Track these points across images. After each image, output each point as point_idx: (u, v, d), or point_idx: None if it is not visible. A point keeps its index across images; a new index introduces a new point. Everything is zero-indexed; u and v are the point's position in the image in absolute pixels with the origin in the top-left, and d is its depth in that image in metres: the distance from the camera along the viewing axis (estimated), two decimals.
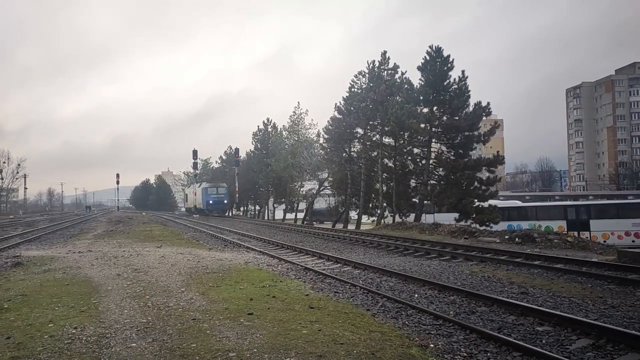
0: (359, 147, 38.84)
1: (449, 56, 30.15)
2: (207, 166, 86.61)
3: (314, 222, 45.71)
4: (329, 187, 47.14)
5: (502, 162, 30.13)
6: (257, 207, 67.60)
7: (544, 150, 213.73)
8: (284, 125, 56.53)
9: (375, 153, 35.68)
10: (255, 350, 5.39)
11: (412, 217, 31.65)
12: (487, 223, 27.39)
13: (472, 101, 29.72)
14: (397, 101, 31.47)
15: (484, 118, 29.98)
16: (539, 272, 11.66)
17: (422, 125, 30.59)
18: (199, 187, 63.60)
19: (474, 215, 28.21)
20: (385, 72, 36.05)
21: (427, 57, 30.39)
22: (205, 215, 56.29)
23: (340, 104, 38.37)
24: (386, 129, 33.29)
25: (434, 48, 30.39)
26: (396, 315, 7.46)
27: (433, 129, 30.60)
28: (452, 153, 30.57)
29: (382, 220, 33.60)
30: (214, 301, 8.00)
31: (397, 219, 32.18)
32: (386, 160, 34.77)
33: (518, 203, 42.01)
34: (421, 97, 31.15)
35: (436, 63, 30.08)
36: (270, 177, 53.91)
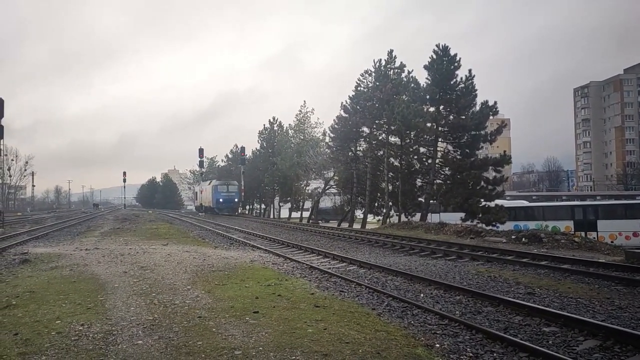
0: (365, 146, 38.77)
1: (455, 55, 30.04)
2: (213, 165, 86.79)
3: (320, 221, 45.69)
4: (334, 186, 47.14)
5: (509, 161, 29.96)
6: (263, 206, 67.70)
7: (551, 150, 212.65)
8: (289, 124, 56.61)
9: (381, 152, 35.60)
10: (260, 348, 5.40)
11: (417, 216, 31.57)
12: (494, 223, 27.28)
13: (479, 100, 29.61)
14: (404, 100, 31.39)
15: (491, 117, 29.84)
16: (545, 272, 11.60)
17: (429, 125, 30.49)
18: (208, 184, 61.58)
19: (480, 215, 28.10)
20: (392, 71, 35.95)
21: (434, 56, 30.29)
22: (215, 215, 54.04)
23: (347, 102, 38.35)
24: (392, 128, 33.21)
25: (440, 47, 30.29)
26: (402, 315, 7.44)
27: (439, 128, 30.49)
28: (459, 152, 30.46)
29: (388, 220, 33.54)
30: (219, 299, 8.02)
31: (403, 218, 32.13)
32: (392, 160, 34.70)
33: (525, 203, 41.78)
34: (427, 96, 31.06)
35: (443, 62, 29.97)
36: (276, 176, 54.01)
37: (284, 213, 58.71)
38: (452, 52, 30.11)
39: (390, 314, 7.46)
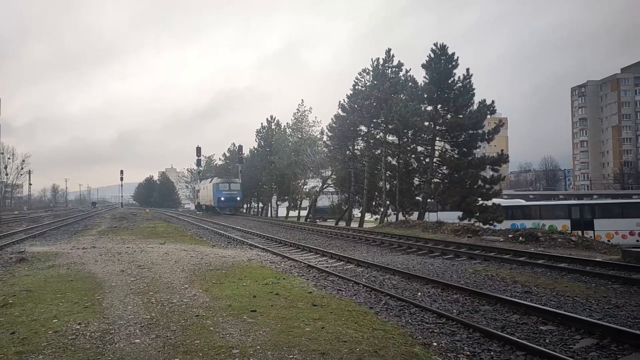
0: (362, 145, 38.80)
1: (453, 54, 30.04)
2: (211, 163, 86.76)
3: (317, 220, 45.70)
4: (332, 185, 47.14)
5: (506, 160, 29.99)
6: (260, 205, 67.64)
7: (548, 149, 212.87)
8: (287, 123, 56.59)
9: (379, 151, 35.62)
10: (258, 347, 5.40)
11: (415, 215, 31.59)
12: (491, 222, 27.31)
13: (477, 99, 29.61)
14: (401, 99, 31.40)
15: (489, 116, 29.83)
16: (542, 271, 11.63)
17: (426, 123, 30.51)
18: (209, 182, 59.11)
19: (477, 214, 28.13)
20: (390, 69, 35.96)
21: (432, 55, 30.28)
22: (214, 214, 51.98)
23: (344, 101, 38.34)
24: (390, 126, 33.22)
25: (438, 46, 30.28)
26: (399, 314, 7.46)
27: (437, 127, 30.51)
28: (456, 151, 30.48)
29: (385, 219, 33.56)
30: (217, 298, 8.02)
31: (400, 217, 32.15)
32: (390, 158, 34.71)
33: (522, 202, 41.88)
34: (425, 95, 31.05)
35: (441, 61, 29.97)
36: (273, 175, 53.90)
37: (282, 212, 58.61)
38: (450, 51, 30.12)
39: (388, 313, 7.47)
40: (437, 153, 31.28)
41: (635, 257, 12.17)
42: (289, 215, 53.56)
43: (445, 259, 14.51)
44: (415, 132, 31.82)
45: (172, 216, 48.87)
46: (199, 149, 63.75)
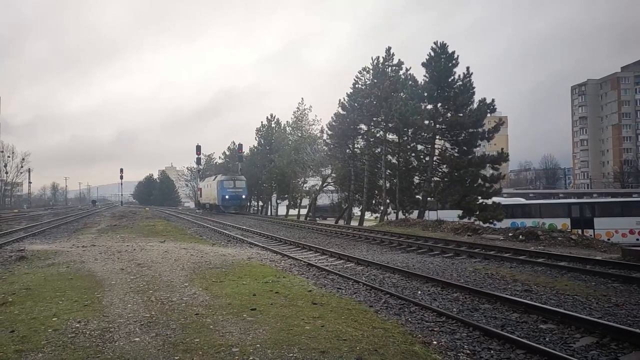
0: (362, 143, 38.78)
1: (453, 52, 30.01)
2: (211, 162, 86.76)
3: (317, 219, 45.70)
4: (332, 184, 47.13)
5: (506, 159, 29.97)
6: (260, 203, 67.63)
7: (548, 148, 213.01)
8: (287, 121, 56.51)
9: (379, 149, 35.61)
10: (258, 345, 5.39)
11: (415, 213, 31.59)
12: (491, 220, 27.32)
13: (477, 98, 29.59)
14: (401, 97, 31.35)
15: (489, 115, 29.81)
16: (542, 269, 11.63)
17: (426, 122, 30.49)
18: (213, 180, 56.36)
19: (477, 213, 28.12)
20: (390, 68, 35.96)
21: (432, 54, 30.24)
22: (217, 213, 50.03)
23: (344, 100, 38.32)
24: (390, 125, 33.20)
25: (438, 44, 30.24)
26: (399, 312, 7.45)
27: (437, 126, 30.49)
28: (456, 150, 30.47)
29: (385, 217, 33.56)
30: (217, 296, 8.01)
31: (400, 215, 32.17)
32: (390, 157, 34.70)
33: (522, 200, 41.89)
34: (425, 94, 31.02)
35: (441, 59, 29.93)
36: (273, 173, 53.86)
37: (282, 210, 58.61)
38: (451, 50, 30.10)
39: (388, 311, 7.47)
40: (437, 151, 31.27)
41: (635, 256, 12.17)
42: (289, 213, 53.59)
43: (445, 257, 14.51)
44: (415, 131, 31.80)
45: (172, 215, 48.86)
46: (198, 148, 63.69)
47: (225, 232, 24.19)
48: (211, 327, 6.14)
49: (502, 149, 32.19)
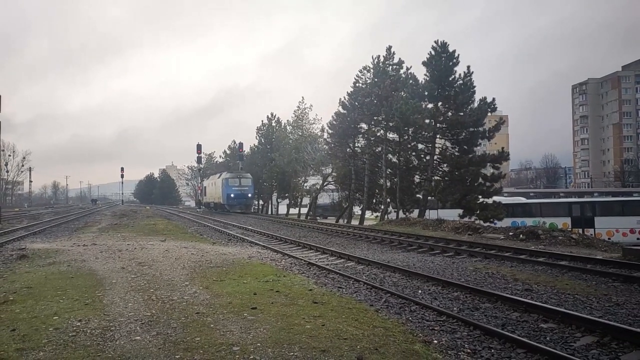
0: (363, 142, 38.75)
1: (454, 51, 29.98)
2: (211, 161, 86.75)
3: (318, 217, 45.70)
4: (332, 183, 47.10)
5: (507, 158, 29.96)
6: (261, 202, 67.64)
7: (549, 147, 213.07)
8: (288, 120, 56.48)
9: (380, 148, 35.59)
10: (258, 344, 5.40)
11: (415, 212, 31.58)
12: (491, 219, 27.31)
13: (477, 97, 29.57)
14: (402, 96, 31.33)
15: (489, 114, 29.79)
16: (543, 268, 11.63)
17: (427, 121, 30.47)
18: (218, 177, 54.14)
19: (478, 212, 28.11)
20: (390, 67, 35.92)
21: (433, 53, 30.22)
22: (225, 212, 47.67)
23: (345, 99, 38.30)
24: (390, 124, 33.17)
25: (439, 43, 30.21)
26: (400, 311, 7.46)
27: (437, 125, 30.48)
28: (457, 149, 30.46)
29: (386, 216, 33.57)
30: (217, 295, 8.02)
31: (401, 214, 32.16)
32: (390, 156, 34.68)
33: (522, 200, 41.87)
34: (426, 93, 31.01)
35: (441, 58, 29.91)
36: (274, 172, 53.84)
37: (282, 209, 58.61)
38: (452, 49, 30.06)
39: (389, 310, 7.47)
40: (437, 151, 31.26)
41: (636, 255, 12.17)
42: (290, 212, 53.59)
43: (445, 256, 14.51)
44: (416, 130, 31.78)
45: (173, 213, 48.88)
46: (199, 147, 63.52)
47: (226, 231, 24.20)
48: (212, 326, 6.15)
49: (502, 148, 32.19)
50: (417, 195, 32.96)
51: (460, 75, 29.84)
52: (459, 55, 29.92)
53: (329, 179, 46.60)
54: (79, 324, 6.23)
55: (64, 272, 10.51)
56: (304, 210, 51.50)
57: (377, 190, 37.31)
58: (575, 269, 11.25)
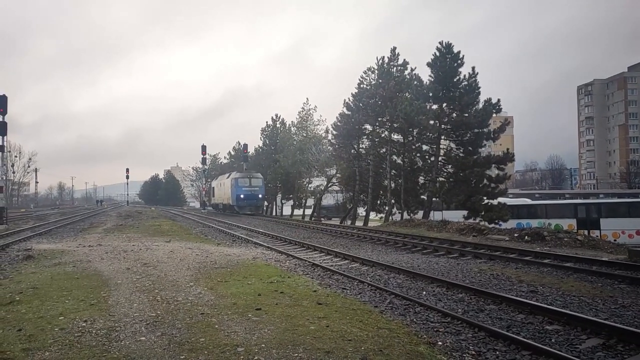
0: (367, 143, 38.71)
1: (459, 52, 29.93)
2: (216, 162, 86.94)
3: (322, 219, 45.69)
4: (337, 184, 47.11)
5: (512, 159, 29.91)
6: (265, 203, 67.71)
7: (554, 148, 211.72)
8: (292, 121, 56.54)
9: (384, 149, 35.56)
10: (263, 345, 5.40)
11: (420, 214, 31.55)
12: (496, 221, 27.22)
13: (482, 98, 29.49)
14: (406, 97, 31.31)
15: (494, 115, 29.74)
16: (548, 270, 11.57)
17: (431, 122, 30.41)
18: (227, 178, 51.96)
19: (482, 213, 28.04)
20: (395, 68, 35.88)
21: (437, 54, 30.17)
22: (234, 214, 45.72)
23: (349, 100, 38.30)
24: (395, 125, 33.15)
25: (444, 44, 30.16)
26: (404, 313, 7.44)
27: (442, 126, 30.42)
28: (462, 150, 30.39)
29: (390, 217, 33.52)
30: (222, 296, 8.04)
31: (405, 216, 32.09)
32: (395, 157, 34.65)
33: (527, 201, 41.72)
34: (430, 94, 30.95)
35: (446, 59, 29.86)
36: (278, 173, 53.89)
37: (286, 210, 58.65)
38: (455, 50, 30.01)
39: (393, 312, 7.46)
40: (442, 152, 31.20)
41: None
42: (294, 213, 53.60)
43: (450, 258, 14.47)
44: (421, 131, 31.74)
45: (178, 214, 49.01)
46: (204, 148, 63.65)
47: (230, 232, 24.24)
48: (216, 326, 6.16)
49: (507, 149, 32.08)
50: (422, 197, 32.91)
51: (465, 76, 29.78)
52: (463, 56, 29.88)
53: (333, 180, 46.61)
54: (84, 324, 6.25)
55: (69, 272, 10.56)
56: (308, 212, 51.50)
57: (381, 192, 37.28)
58: (581, 271, 11.20)
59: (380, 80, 35.72)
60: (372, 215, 39.18)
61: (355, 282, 10.00)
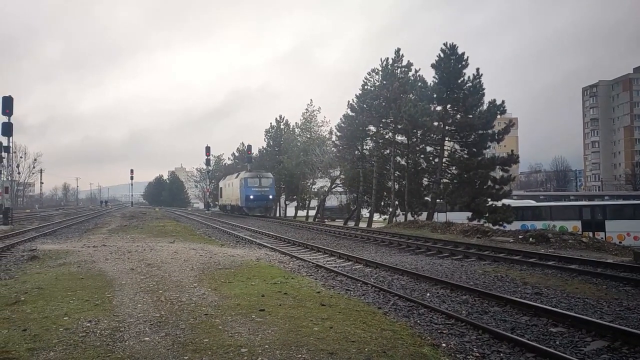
0: (371, 144, 38.73)
1: (463, 54, 29.88)
2: (220, 163, 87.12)
3: (326, 220, 45.68)
4: (340, 185, 47.13)
5: (517, 161, 29.77)
6: None
7: (559, 150, 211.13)
8: (296, 123, 56.63)
9: (388, 151, 35.54)
10: (266, 346, 5.41)
11: (424, 215, 31.48)
12: (501, 222, 27.14)
13: (487, 99, 29.43)
14: (410, 99, 31.30)
15: (498, 116, 29.63)
16: (553, 272, 11.53)
17: (435, 124, 30.37)
18: (235, 177, 49.93)
19: (487, 215, 27.97)
20: (399, 69, 35.88)
21: (441, 55, 30.13)
22: (244, 215, 44.16)
23: (353, 101, 38.32)
24: (399, 126, 33.14)
25: (448, 45, 30.13)
26: (408, 314, 7.43)
27: (446, 127, 30.37)
28: (466, 151, 30.33)
29: (394, 219, 33.48)
30: (226, 297, 8.05)
31: (409, 217, 32.05)
32: (399, 158, 34.63)
33: (532, 203, 41.55)
34: (435, 95, 30.91)
35: (450, 61, 29.81)
36: (282, 174, 53.96)
37: (290, 211, 58.66)
38: (460, 51, 29.96)
39: (397, 313, 7.45)
40: (446, 153, 31.16)
41: None
42: (298, 214, 53.62)
43: (454, 259, 14.44)
44: (425, 132, 31.72)
45: (182, 215, 49.12)
46: (208, 149, 63.82)
47: (234, 232, 24.27)
48: (220, 327, 6.17)
49: (512, 150, 31.94)
50: (426, 198, 32.86)
51: (469, 77, 29.74)
52: (468, 57, 29.83)
53: (337, 181, 46.62)
54: (89, 324, 6.28)
55: (74, 273, 10.60)
56: (312, 213, 51.53)
57: (385, 193, 37.25)
58: (586, 273, 11.14)
59: (385, 82, 35.72)
60: (376, 216, 39.15)
61: (359, 283, 9.99)
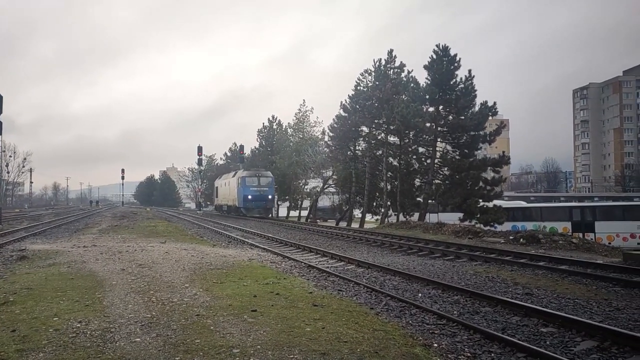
0: (363, 145, 38.82)
1: (455, 55, 30.08)
2: (212, 163, 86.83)
3: (318, 220, 45.68)
4: (333, 185, 47.18)
5: (508, 162, 30.03)
6: None
7: (549, 151, 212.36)
8: (289, 123, 56.59)
9: (380, 152, 35.64)
10: (258, 347, 5.39)
11: (416, 216, 31.61)
12: (492, 223, 27.32)
13: (479, 101, 29.68)
14: (403, 100, 31.44)
15: (490, 118, 29.88)
16: (543, 273, 11.61)
17: (428, 125, 30.53)
18: (233, 177, 47.79)
19: (478, 215, 28.15)
20: (392, 70, 36.00)
21: (434, 56, 30.32)
22: (242, 216, 42.49)
23: (346, 102, 38.38)
24: (391, 127, 33.24)
25: (440, 47, 30.32)
26: (400, 314, 7.45)
27: (438, 128, 30.53)
28: (458, 152, 30.52)
29: (386, 219, 33.57)
30: (217, 297, 8.01)
31: (401, 217, 32.16)
32: (391, 159, 34.73)
33: (523, 204, 41.86)
34: (427, 96, 31.08)
35: (442, 62, 29.99)
36: (274, 175, 53.91)
37: (282, 212, 58.59)
38: (452, 53, 30.15)
39: (389, 314, 7.47)
40: (438, 154, 31.32)
41: (637, 260, 12.15)
42: (290, 215, 53.56)
43: (446, 260, 14.50)
44: (417, 133, 31.85)
45: (173, 215, 48.86)
46: (200, 149, 63.54)
47: (226, 233, 24.19)
48: (212, 328, 6.14)
49: (503, 152, 32.14)
50: (418, 199, 33.00)
51: (461, 79, 29.96)
52: (460, 59, 30.07)
53: (330, 181, 46.65)
54: (79, 325, 6.22)
55: (64, 273, 10.50)
56: (304, 213, 51.53)
57: (377, 194, 37.33)
58: (576, 274, 11.24)
59: (377, 82, 35.83)
60: (368, 217, 39.23)
61: (351, 283, 10.00)
